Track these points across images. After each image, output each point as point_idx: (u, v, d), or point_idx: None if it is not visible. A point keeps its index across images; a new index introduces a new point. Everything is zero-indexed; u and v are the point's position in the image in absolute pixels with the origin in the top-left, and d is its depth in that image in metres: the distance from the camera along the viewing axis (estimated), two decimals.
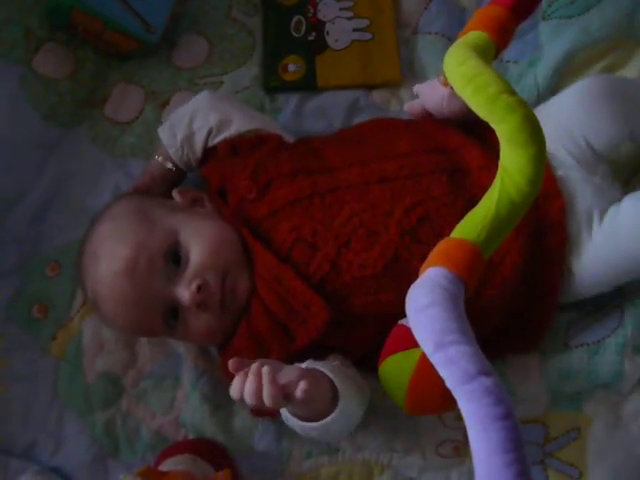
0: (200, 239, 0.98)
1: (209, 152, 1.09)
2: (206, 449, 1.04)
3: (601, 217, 1.01)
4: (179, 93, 1.21)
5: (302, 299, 0.97)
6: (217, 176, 1.06)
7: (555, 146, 1.02)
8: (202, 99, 1.11)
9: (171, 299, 0.97)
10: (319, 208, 1.00)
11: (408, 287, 0.80)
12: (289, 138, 1.10)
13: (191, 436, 1.07)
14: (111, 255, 0.98)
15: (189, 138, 1.08)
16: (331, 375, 0.93)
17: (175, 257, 0.98)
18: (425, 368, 0.75)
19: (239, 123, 1.07)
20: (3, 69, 1.17)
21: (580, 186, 1.02)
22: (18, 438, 1.08)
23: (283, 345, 0.98)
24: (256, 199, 1.02)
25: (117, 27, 1.16)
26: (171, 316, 0.99)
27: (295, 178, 1.01)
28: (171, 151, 1.09)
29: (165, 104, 1.21)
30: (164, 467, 0.98)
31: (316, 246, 0.98)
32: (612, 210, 1.01)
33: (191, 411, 1.07)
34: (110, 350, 1.10)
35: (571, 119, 1.02)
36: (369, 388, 1.00)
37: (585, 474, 1.04)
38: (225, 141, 1.07)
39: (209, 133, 1.07)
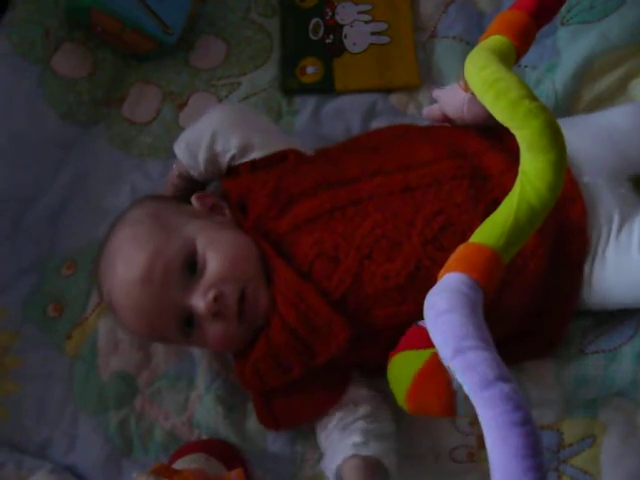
0: (218, 249, 0.98)
1: (230, 169, 1.07)
2: (219, 449, 1.04)
3: (621, 228, 1.00)
4: (197, 94, 1.22)
5: (323, 317, 0.96)
6: (237, 190, 1.05)
7: (592, 155, 1.02)
8: (221, 118, 1.08)
9: (186, 308, 0.97)
10: (340, 221, 0.99)
11: None
12: (308, 153, 1.09)
13: (204, 437, 1.07)
14: (128, 262, 0.98)
15: (212, 159, 1.06)
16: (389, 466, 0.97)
17: (192, 266, 0.97)
18: (431, 369, 0.75)
19: (261, 148, 1.05)
20: (22, 68, 1.18)
21: (604, 193, 1.02)
22: (32, 436, 1.08)
23: (303, 361, 0.98)
24: (276, 216, 1.01)
25: (135, 28, 1.16)
26: (186, 324, 0.98)
27: (315, 194, 1.00)
28: (193, 172, 1.08)
29: (183, 105, 1.22)
30: (177, 466, 0.98)
31: (338, 260, 0.98)
32: (636, 226, 1.00)
33: (205, 412, 1.07)
34: (125, 350, 1.10)
35: (624, 138, 1.03)
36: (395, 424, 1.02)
37: None
38: (248, 162, 1.05)
39: (232, 157, 1.05)
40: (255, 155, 1.05)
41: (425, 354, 0.79)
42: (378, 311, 0.98)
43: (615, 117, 1.08)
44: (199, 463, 0.99)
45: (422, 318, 0.84)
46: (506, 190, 0.84)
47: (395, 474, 0.98)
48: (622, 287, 1.00)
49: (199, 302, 0.96)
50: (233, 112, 1.11)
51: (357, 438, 0.97)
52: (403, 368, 0.82)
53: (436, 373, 0.72)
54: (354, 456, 0.96)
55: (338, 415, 1.01)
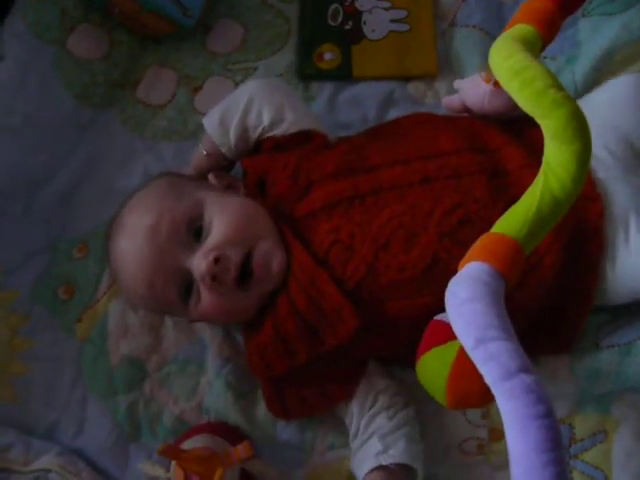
0: (225, 212, 0.97)
1: (257, 144, 1.07)
2: (223, 429, 1.04)
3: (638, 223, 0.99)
4: (212, 78, 1.21)
5: (334, 305, 0.96)
6: (257, 169, 1.04)
7: (596, 144, 1.00)
8: (257, 88, 1.07)
9: (187, 271, 0.96)
10: (359, 210, 0.98)
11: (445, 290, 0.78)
12: (333, 138, 1.08)
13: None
14: (136, 219, 0.98)
15: (243, 135, 1.05)
16: (415, 464, 0.99)
17: (197, 230, 0.97)
18: (464, 360, 0.74)
19: (290, 123, 1.04)
20: (37, 49, 1.17)
21: (619, 187, 1.01)
22: (40, 419, 1.08)
23: (310, 346, 0.98)
24: (296, 199, 1.00)
25: (154, 9, 1.15)
26: (185, 291, 0.97)
27: (337, 179, 1.00)
28: (223, 149, 1.07)
29: (198, 89, 1.21)
30: (184, 447, 0.99)
31: (353, 249, 0.97)
32: None
33: (214, 398, 1.07)
34: (135, 334, 1.09)
35: (618, 114, 0.99)
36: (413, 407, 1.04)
37: (610, 478, 1.02)
38: (271, 138, 1.05)
39: (262, 131, 1.05)
40: (283, 129, 1.04)
41: (453, 347, 0.78)
42: (392, 303, 0.97)
43: (611, 94, 1.06)
44: (204, 442, 1.00)
45: (437, 311, 0.84)
46: (525, 186, 0.83)
47: (418, 461, 1.00)
48: (623, 284, 0.99)
49: (201, 263, 0.94)
50: (269, 85, 1.10)
51: (378, 446, 0.99)
52: (435, 366, 0.81)
53: (471, 363, 0.71)
54: (378, 468, 0.98)
55: (359, 408, 1.02)
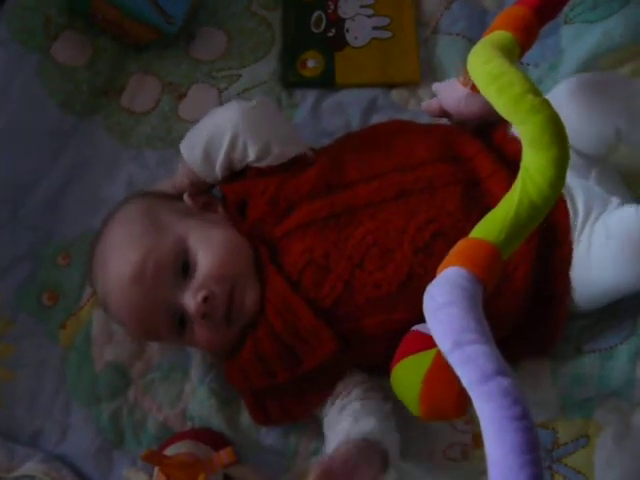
0: (209, 248, 0.98)
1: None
2: (207, 435, 1.04)
3: (583, 229, 0.98)
4: (196, 85, 1.22)
5: (310, 329, 0.97)
6: (236, 194, 1.04)
7: None
8: (240, 121, 1.01)
9: (178, 307, 0.97)
10: (333, 229, 0.99)
11: (422, 304, 0.78)
12: (312, 154, 1.06)
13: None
14: (120, 261, 0.98)
15: (229, 167, 1.03)
16: (384, 443, 0.94)
17: (184, 265, 0.98)
18: (439, 369, 0.74)
19: (275, 156, 1.01)
20: (21, 56, 1.18)
21: (573, 192, 1.00)
22: (24, 425, 1.08)
23: (289, 367, 0.99)
24: (275, 222, 1.01)
25: (135, 17, 1.15)
26: (179, 323, 0.99)
27: (314, 199, 1.00)
28: (208, 180, 1.05)
29: (182, 96, 1.21)
30: (167, 452, 0.99)
31: (328, 268, 0.98)
32: (597, 227, 0.98)
33: (198, 405, 1.07)
34: (119, 340, 1.10)
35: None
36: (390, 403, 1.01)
37: None
38: (257, 167, 1.03)
39: (249, 162, 1.02)
40: (269, 162, 1.02)
41: (428, 356, 0.78)
42: (368, 319, 0.98)
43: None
44: (188, 448, 1.00)
45: (413, 325, 0.84)
46: (495, 193, 0.83)
47: (391, 442, 0.97)
48: (587, 287, 0.99)
49: (190, 302, 0.96)
50: (253, 115, 1.03)
51: (348, 420, 0.96)
52: (409, 375, 0.81)
53: (445, 373, 0.72)
54: (345, 442, 0.93)
55: (330, 401, 1.01)
